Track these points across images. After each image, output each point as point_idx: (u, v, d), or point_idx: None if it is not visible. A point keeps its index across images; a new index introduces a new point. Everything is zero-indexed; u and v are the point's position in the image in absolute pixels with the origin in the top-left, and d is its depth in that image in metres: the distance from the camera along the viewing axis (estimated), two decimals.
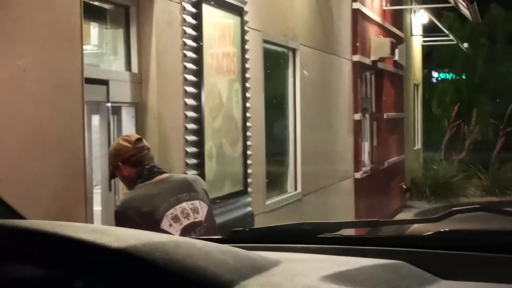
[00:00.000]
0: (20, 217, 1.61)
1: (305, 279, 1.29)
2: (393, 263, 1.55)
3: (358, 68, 11.43)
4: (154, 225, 3.65)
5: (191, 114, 5.68)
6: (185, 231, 3.73)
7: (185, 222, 3.78)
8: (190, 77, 5.67)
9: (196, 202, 3.86)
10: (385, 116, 13.53)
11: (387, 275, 1.45)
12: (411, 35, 17.43)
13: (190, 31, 5.68)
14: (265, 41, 7.50)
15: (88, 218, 4.37)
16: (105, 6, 5.18)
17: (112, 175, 4.07)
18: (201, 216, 3.86)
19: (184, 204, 3.81)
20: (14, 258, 1.29)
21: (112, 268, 1.18)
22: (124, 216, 3.67)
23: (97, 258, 1.20)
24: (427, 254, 1.64)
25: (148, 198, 3.74)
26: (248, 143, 6.82)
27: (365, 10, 11.87)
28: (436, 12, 19.27)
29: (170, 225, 3.73)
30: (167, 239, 1.25)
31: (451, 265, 1.59)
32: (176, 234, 3.67)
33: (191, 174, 5.44)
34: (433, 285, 1.46)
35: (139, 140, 3.93)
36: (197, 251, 1.23)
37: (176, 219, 3.75)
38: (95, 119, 4.91)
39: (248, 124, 6.81)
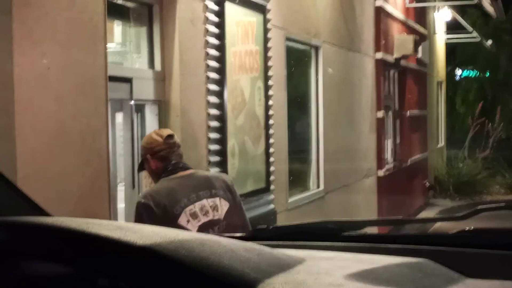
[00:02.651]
0: (45, 214, 1.62)
1: (330, 277, 1.29)
2: (418, 261, 1.54)
3: (381, 66, 11.38)
4: (172, 220, 3.68)
5: (213, 111, 5.68)
6: (202, 229, 3.75)
7: (203, 219, 3.80)
8: (213, 75, 5.68)
9: (217, 200, 3.88)
10: (408, 114, 13.46)
11: (412, 273, 1.45)
12: (435, 32, 17.32)
13: (212, 29, 5.68)
14: (288, 39, 7.49)
15: (112, 215, 4.40)
16: (129, 4, 5.20)
17: (140, 167, 4.12)
18: (220, 214, 3.87)
19: (204, 201, 3.83)
20: (39, 255, 1.30)
21: (137, 265, 1.18)
22: (145, 207, 3.71)
23: (122, 255, 1.20)
24: (452, 252, 1.63)
25: (169, 192, 3.77)
26: (271, 140, 6.82)
27: (388, 7, 11.82)
28: (459, 9, 19.13)
29: (188, 221, 3.75)
30: (192, 236, 1.26)
31: (476, 264, 1.58)
32: (193, 230, 3.69)
33: (214, 171, 5.46)
34: (458, 284, 1.45)
35: (170, 136, 3.97)
36: (222, 249, 1.23)
37: (194, 215, 3.77)
38: (119, 117, 4.94)
39: (270, 121, 6.81)
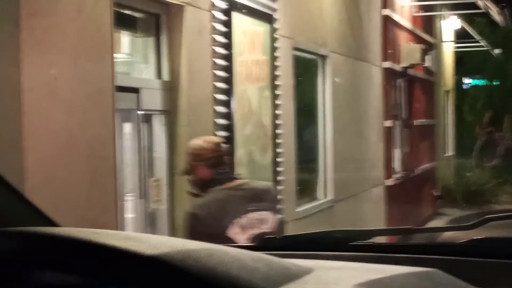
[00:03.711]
0: (54, 224, 1.62)
1: (338, 287, 1.28)
2: (426, 271, 1.53)
3: (389, 75, 11.38)
4: (221, 231, 3.66)
5: (221, 121, 5.69)
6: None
7: (251, 232, 3.78)
8: (220, 85, 5.69)
9: (265, 213, 3.87)
10: (416, 123, 13.45)
11: (421, 283, 1.44)
12: (442, 41, 17.31)
13: (220, 38, 5.69)
14: (295, 48, 7.49)
15: (119, 225, 4.40)
16: (136, 14, 5.21)
17: (185, 173, 4.05)
18: (268, 227, 3.85)
19: (252, 215, 3.81)
20: (47, 265, 1.30)
21: (145, 275, 1.18)
22: (195, 218, 3.71)
23: (130, 265, 1.20)
24: (461, 262, 1.63)
25: (220, 204, 3.77)
26: (278, 150, 6.82)
27: (395, 16, 11.82)
28: (467, 18, 19.11)
29: (237, 233, 3.73)
30: (200, 246, 1.25)
31: (485, 273, 1.58)
32: (242, 243, 3.66)
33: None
34: None
35: (219, 144, 3.95)
36: (229, 259, 1.23)
37: (243, 228, 3.75)
38: (126, 127, 4.94)
39: (278, 131, 6.81)
